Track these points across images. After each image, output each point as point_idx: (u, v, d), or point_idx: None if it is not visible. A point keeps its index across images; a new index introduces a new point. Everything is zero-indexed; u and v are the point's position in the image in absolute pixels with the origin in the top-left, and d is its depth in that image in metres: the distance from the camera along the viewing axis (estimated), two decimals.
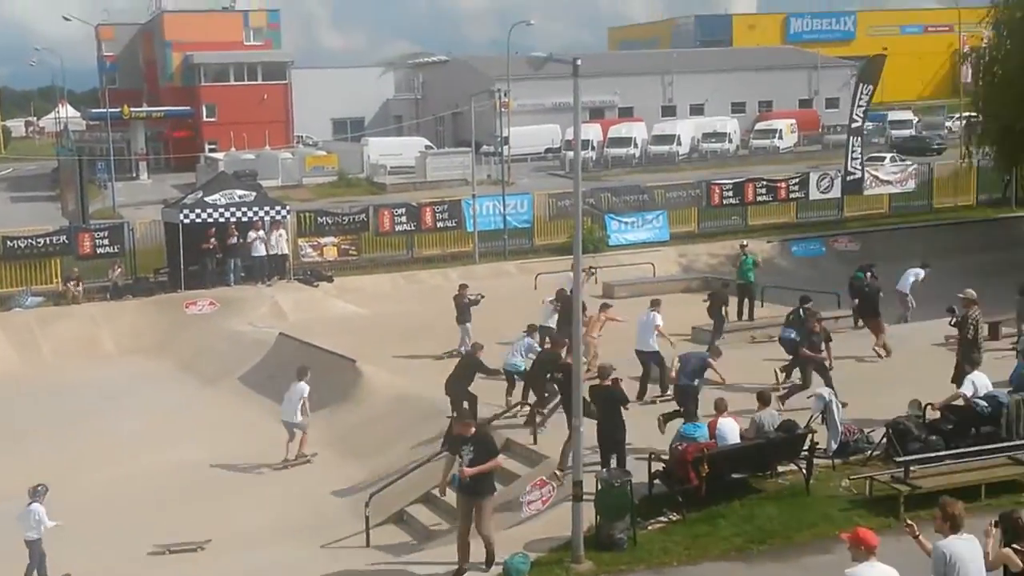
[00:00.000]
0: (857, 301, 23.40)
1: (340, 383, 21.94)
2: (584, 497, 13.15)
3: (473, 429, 13.07)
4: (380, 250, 35.55)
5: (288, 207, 34.09)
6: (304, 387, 19.47)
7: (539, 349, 19.51)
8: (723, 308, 24.32)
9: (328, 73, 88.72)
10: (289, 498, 17.96)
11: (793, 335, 19.58)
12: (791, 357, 19.44)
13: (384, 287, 32.61)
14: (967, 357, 17.60)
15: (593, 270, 28.17)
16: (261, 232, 31.71)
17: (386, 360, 23.41)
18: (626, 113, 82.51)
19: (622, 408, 15.34)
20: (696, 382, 17.42)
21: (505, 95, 58.27)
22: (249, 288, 31.17)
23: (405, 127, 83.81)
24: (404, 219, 35.26)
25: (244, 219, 31.76)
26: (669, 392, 18.58)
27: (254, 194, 33.44)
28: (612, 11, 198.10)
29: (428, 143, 71.82)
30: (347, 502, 17.27)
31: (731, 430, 14.90)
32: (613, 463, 14.87)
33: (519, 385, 18.79)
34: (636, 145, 72.10)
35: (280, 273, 32.20)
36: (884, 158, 54.17)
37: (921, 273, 25.54)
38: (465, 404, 17.80)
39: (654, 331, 19.91)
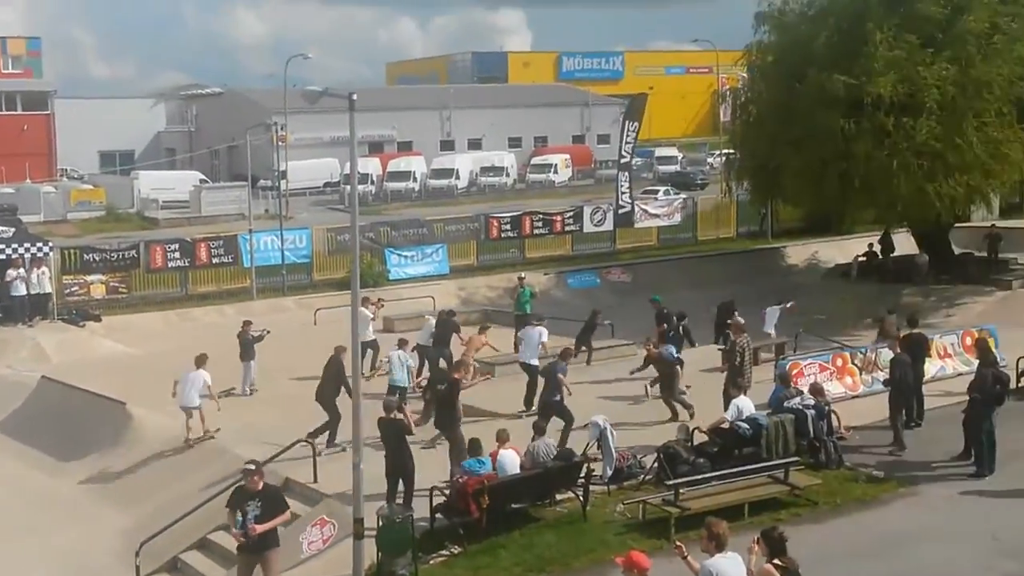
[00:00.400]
0: (665, 326, 24.26)
1: (109, 427, 20.99)
2: (365, 534, 13.06)
3: (261, 484, 12.65)
4: (152, 287, 34.19)
5: (51, 243, 32.39)
6: (205, 374, 20.20)
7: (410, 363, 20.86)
8: (591, 334, 25.02)
9: (94, 104, 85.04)
10: (54, 549, 16.99)
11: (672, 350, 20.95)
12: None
13: (156, 325, 31.41)
14: (733, 382, 18.55)
15: (382, 302, 28.17)
16: (21, 270, 30.01)
17: (159, 402, 22.48)
18: (405, 147, 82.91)
19: (407, 438, 15.45)
20: (557, 396, 17.93)
21: (282, 128, 57.50)
22: (8, 329, 29.41)
23: (178, 160, 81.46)
24: (177, 255, 34.10)
25: (2, 256, 30.02)
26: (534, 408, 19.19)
27: (13, 230, 31.76)
28: (390, 46, 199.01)
29: (203, 177, 69.88)
30: (117, 550, 16.49)
31: (511, 461, 15.17)
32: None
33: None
34: (415, 179, 72.52)
35: (42, 313, 30.53)
36: (658, 191, 56.80)
37: (777, 310, 26.38)
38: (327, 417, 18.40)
39: (538, 346, 21.35)
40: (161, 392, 23.18)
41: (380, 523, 13.52)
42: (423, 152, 79.06)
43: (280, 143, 54.67)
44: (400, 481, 15.07)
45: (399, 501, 14.74)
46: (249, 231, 35.14)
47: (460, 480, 14.68)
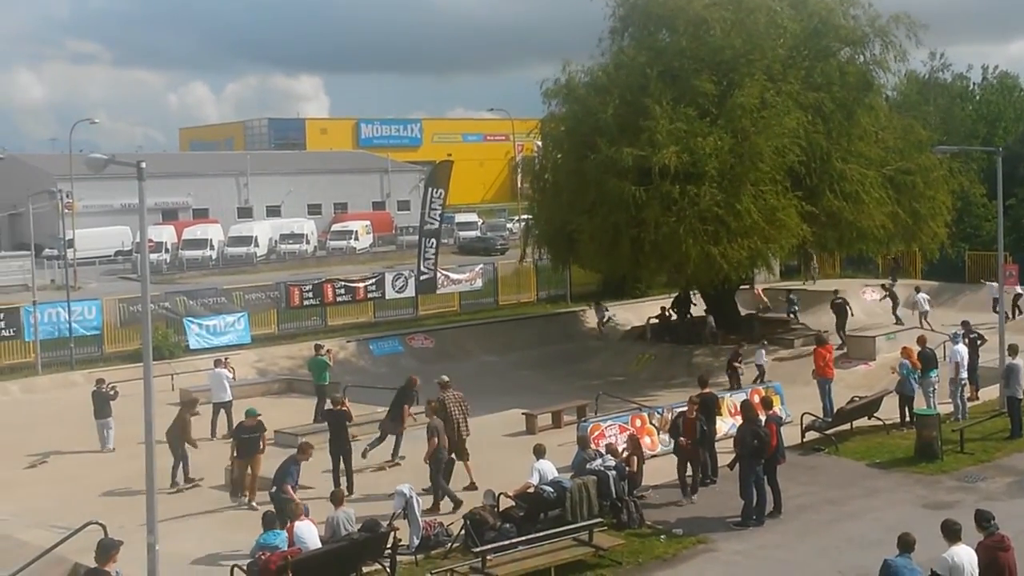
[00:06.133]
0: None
1: None
2: None
3: None
4: None
5: None
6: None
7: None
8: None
9: None
10: None
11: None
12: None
13: None
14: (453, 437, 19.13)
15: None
16: None
17: None
18: (201, 214, 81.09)
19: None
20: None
21: (68, 195, 55.29)
22: None
23: None
24: None
25: None
26: None
27: None
28: (182, 111, 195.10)
29: None
30: None
31: (310, 533, 14.84)
32: None
33: None
34: (213, 247, 70.97)
35: None
36: None
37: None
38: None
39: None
40: None
41: None
42: (220, 219, 77.53)
43: (66, 210, 52.57)
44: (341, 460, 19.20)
45: None
46: (33, 303, 33.51)
47: (261, 557, 14.27)
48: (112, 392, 24.19)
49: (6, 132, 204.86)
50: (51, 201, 52.26)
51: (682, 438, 18.42)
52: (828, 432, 21.96)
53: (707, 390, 20.90)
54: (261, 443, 19.46)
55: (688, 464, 18.57)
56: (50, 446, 24.04)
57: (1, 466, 22.91)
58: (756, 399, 21.91)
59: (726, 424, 21.82)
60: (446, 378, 20.77)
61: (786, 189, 30.57)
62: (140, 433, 14.07)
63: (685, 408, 19.08)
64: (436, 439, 18.42)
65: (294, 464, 17.17)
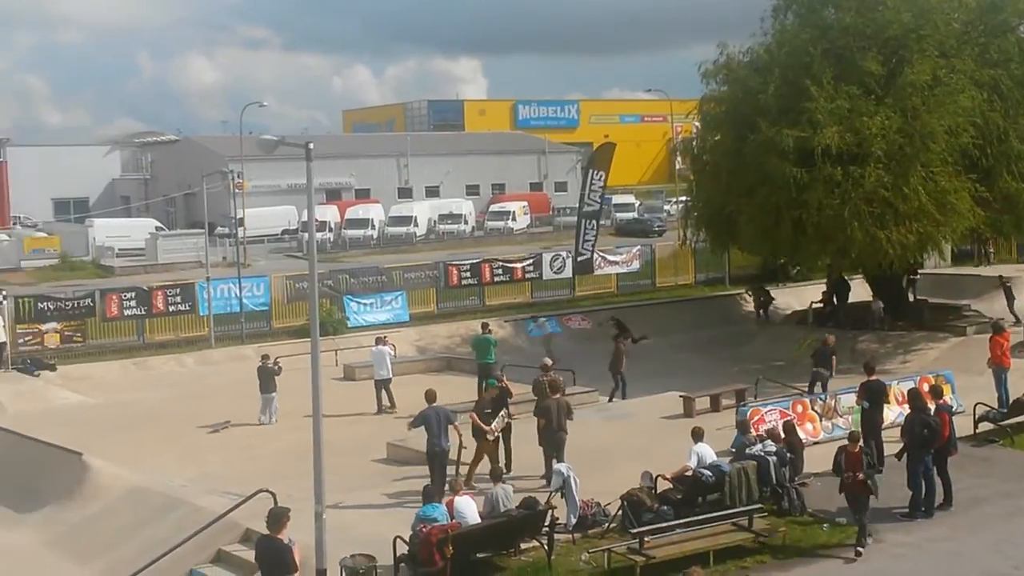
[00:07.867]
0: None
1: (64, 478, 20.58)
2: None
3: None
4: (108, 336, 33.87)
5: (4, 292, 32.05)
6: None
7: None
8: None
9: (48, 151, 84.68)
10: None
11: None
12: None
13: (113, 375, 31.08)
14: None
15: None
16: None
17: (117, 452, 22.22)
18: (363, 194, 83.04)
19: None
20: (448, 444, 17.58)
21: (239, 176, 57.40)
22: None
23: (134, 208, 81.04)
24: (134, 303, 33.80)
25: None
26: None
27: None
28: (345, 94, 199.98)
29: (159, 224, 69.61)
30: None
31: (469, 508, 15.09)
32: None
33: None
34: (374, 226, 72.58)
35: None
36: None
37: None
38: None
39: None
40: (119, 443, 23.03)
41: (343, 574, 13.39)
42: (381, 199, 79.26)
43: (237, 190, 54.52)
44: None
45: (360, 553, 14.57)
46: (207, 279, 34.98)
47: (422, 530, 14.58)
48: (277, 368, 25.02)
49: (182, 115, 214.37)
50: (223, 181, 54.36)
51: (847, 474, 15.54)
52: (1003, 423, 21.07)
53: (874, 377, 20.30)
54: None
55: (858, 503, 15.56)
56: (223, 417, 25.12)
57: (179, 434, 24.07)
58: (925, 387, 21.17)
59: (893, 412, 21.15)
60: (550, 361, 21.26)
61: (959, 171, 29.35)
62: (307, 406, 14.54)
63: (846, 443, 16.07)
64: (545, 419, 18.46)
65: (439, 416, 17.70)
